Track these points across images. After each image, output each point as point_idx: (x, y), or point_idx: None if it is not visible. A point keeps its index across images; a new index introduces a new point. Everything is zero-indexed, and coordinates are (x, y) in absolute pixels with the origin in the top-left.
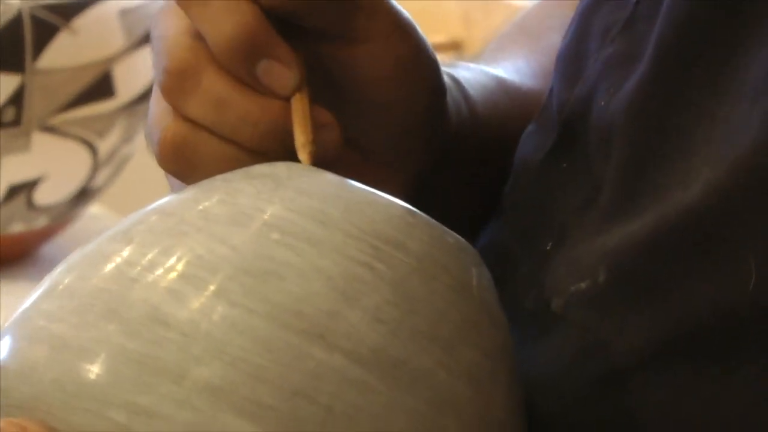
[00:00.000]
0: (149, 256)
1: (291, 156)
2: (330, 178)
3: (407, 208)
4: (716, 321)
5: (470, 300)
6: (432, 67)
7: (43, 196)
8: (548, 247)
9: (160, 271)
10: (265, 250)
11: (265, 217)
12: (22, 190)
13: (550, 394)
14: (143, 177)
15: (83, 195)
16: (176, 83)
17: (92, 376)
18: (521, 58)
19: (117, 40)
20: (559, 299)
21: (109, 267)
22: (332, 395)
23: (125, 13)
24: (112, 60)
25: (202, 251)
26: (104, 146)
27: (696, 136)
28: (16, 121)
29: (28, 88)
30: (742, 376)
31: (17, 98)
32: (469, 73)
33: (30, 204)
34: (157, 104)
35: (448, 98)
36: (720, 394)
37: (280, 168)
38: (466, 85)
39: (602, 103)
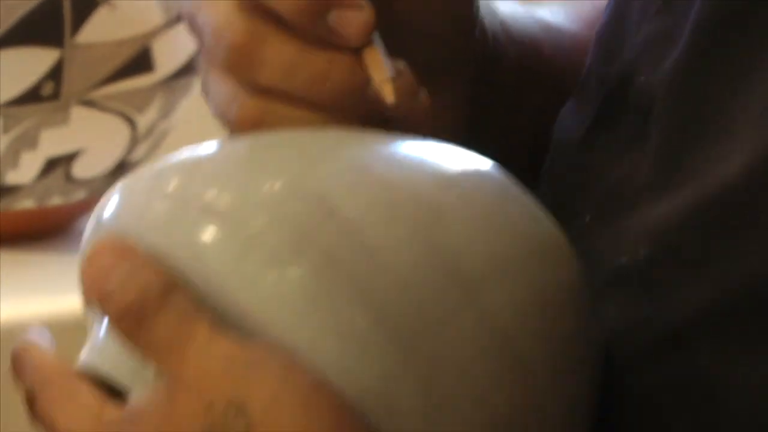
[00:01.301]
0: None
1: (362, 110)
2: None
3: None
4: (756, 294)
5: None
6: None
7: (82, 169)
8: (587, 220)
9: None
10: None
11: None
12: (61, 163)
13: None
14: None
15: (121, 169)
16: (243, 57)
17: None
18: (556, 5)
19: (156, 15)
20: (599, 274)
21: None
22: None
23: None
24: (150, 35)
25: None
26: (143, 121)
27: (735, 111)
28: (55, 95)
29: (67, 62)
30: None
31: (56, 72)
32: (504, 6)
33: (68, 177)
34: (222, 85)
35: (483, 18)
36: (760, 367)
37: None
38: (501, 15)
39: (643, 78)
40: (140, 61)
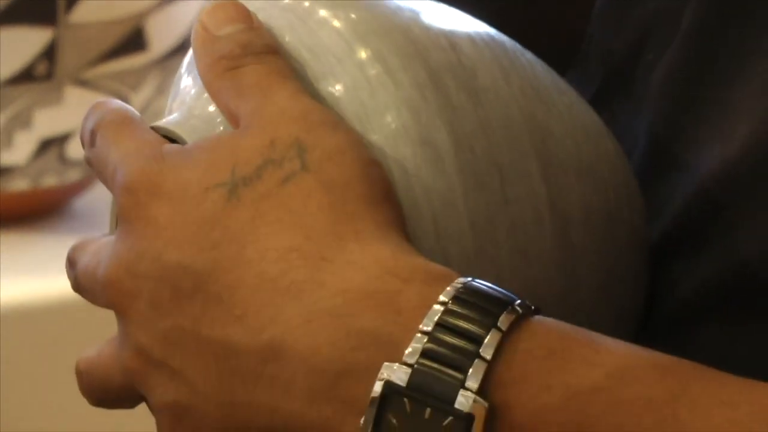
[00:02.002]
0: None
1: None
2: None
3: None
4: (759, 270)
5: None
6: None
7: (76, 149)
8: None
9: None
10: None
11: None
12: (55, 143)
13: None
14: None
15: None
16: None
17: None
18: None
19: None
20: None
21: None
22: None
23: None
24: (144, 14)
25: None
26: (137, 100)
27: (733, 91)
28: (49, 75)
29: (60, 41)
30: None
31: (49, 52)
32: None
33: (62, 158)
34: None
35: None
36: (757, 347)
37: None
38: None
39: (650, 56)
40: (134, 40)
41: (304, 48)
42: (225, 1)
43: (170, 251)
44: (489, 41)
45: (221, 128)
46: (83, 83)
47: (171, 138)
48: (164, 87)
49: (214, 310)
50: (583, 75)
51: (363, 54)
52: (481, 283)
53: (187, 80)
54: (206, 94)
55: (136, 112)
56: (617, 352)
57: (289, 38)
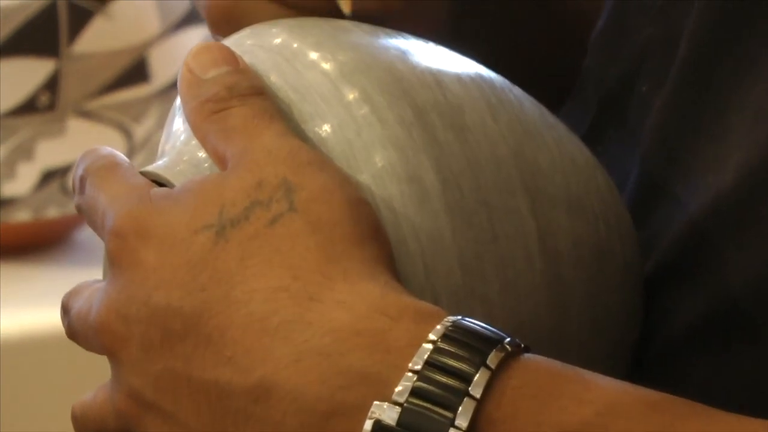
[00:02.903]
0: None
1: (333, 13)
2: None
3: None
4: (750, 299)
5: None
6: None
7: None
8: None
9: None
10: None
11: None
12: (57, 174)
13: None
14: None
15: None
16: None
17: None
18: None
19: (152, 25)
20: None
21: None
22: (508, 235)
23: None
24: (147, 45)
25: None
26: (139, 131)
27: (727, 120)
28: (51, 106)
29: (63, 72)
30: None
31: (52, 83)
32: None
33: (65, 189)
34: None
35: None
36: (754, 369)
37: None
38: None
39: (644, 89)
40: (137, 72)
41: (291, 88)
42: (210, 43)
43: (159, 294)
44: (476, 78)
45: (209, 172)
46: (86, 114)
47: (160, 183)
48: (167, 118)
49: (205, 351)
50: (579, 106)
51: (349, 94)
52: (470, 321)
53: (177, 123)
54: (195, 140)
55: (125, 158)
56: (607, 389)
57: (275, 79)
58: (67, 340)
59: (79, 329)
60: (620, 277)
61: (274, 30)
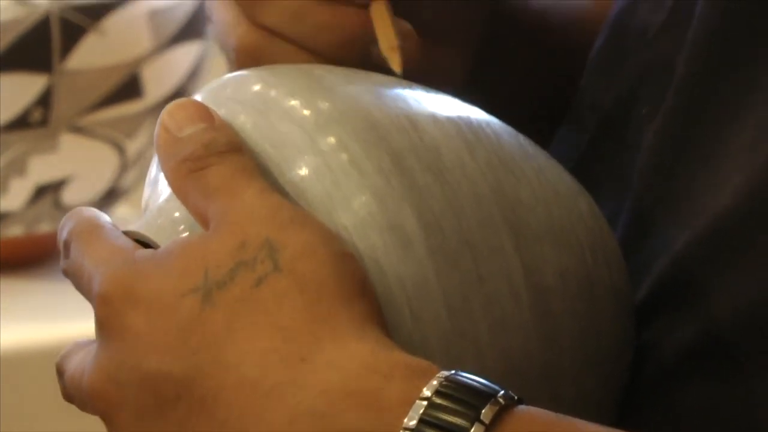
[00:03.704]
0: None
1: (365, 64)
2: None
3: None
4: (749, 322)
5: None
6: None
7: (71, 196)
8: None
9: None
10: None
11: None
12: (50, 190)
13: None
14: None
15: (111, 196)
16: None
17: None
18: None
19: (145, 41)
20: None
21: None
22: (491, 272)
23: (153, 14)
24: (140, 61)
25: None
26: (132, 147)
27: (726, 143)
28: (44, 122)
29: (55, 88)
30: None
31: (45, 99)
32: None
33: (57, 204)
34: (227, 11)
35: None
36: (755, 394)
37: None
38: None
39: (644, 111)
40: (129, 87)
41: (267, 142)
42: (185, 100)
43: (150, 359)
44: (451, 116)
45: (194, 229)
46: (78, 130)
47: (144, 242)
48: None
49: (198, 416)
50: (575, 127)
51: (325, 144)
52: (463, 376)
53: (159, 177)
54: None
55: (107, 219)
56: None
57: (251, 133)
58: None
59: (74, 393)
60: (610, 305)
61: (252, 77)
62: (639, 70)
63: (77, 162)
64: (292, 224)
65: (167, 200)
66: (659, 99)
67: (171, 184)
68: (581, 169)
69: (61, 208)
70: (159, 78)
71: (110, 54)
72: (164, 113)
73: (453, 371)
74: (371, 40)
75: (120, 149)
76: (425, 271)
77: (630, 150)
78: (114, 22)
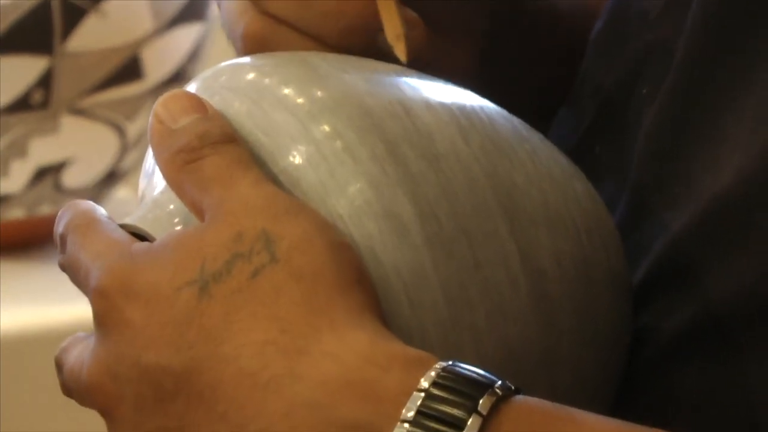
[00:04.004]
0: None
1: (371, 52)
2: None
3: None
4: (748, 304)
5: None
6: None
7: (71, 178)
8: None
9: None
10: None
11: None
12: (50, 172)
13: None
14: None
15: (111, 178)
16: None
17: None
18: None
19: (145, 23)
20: None
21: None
22: (489, 260)
23: None
24: (140, 43)
25: None
26: (133, 129)
27: (726, 122)
28: (45, 104)
29: (56, 70)
30: None
31: (46, 81)
32: None
33: (58, 186)
34: None
35: None
36: (750, 377)
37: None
38: None
39: (644, 91)
40: (130, 69)
41: (261, 131)
42: (178, 91)
43: (149, 353)
44: (445, 101)
45: (190, 221)
46: (79, 112)
47: (141, 235)
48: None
49: (198, 409)
50: (575, 109)
51: (319, 133)
52: (460, 366)
53: (154, 169)
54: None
55: (103, 211)
56: (598, 429)
57: (245, 122)
58: (63, 336)
59: (73, 387)
60: (608, 289)
61: (246, 66)
62: (639, 53)
63: (78, 144)
64: (287, 214)
65: (162, 192)
66: (660, 80)
67: (166, 176)
68: (581, 151)
69: (61, 191)
70: (159, 60)
71: (111, 36)
72: (157, 104)
73: (451, 362)
74: (377, 28)
75: (120, 131)
76: (421, 258)
77: (630, 131)
78: (114, 3)
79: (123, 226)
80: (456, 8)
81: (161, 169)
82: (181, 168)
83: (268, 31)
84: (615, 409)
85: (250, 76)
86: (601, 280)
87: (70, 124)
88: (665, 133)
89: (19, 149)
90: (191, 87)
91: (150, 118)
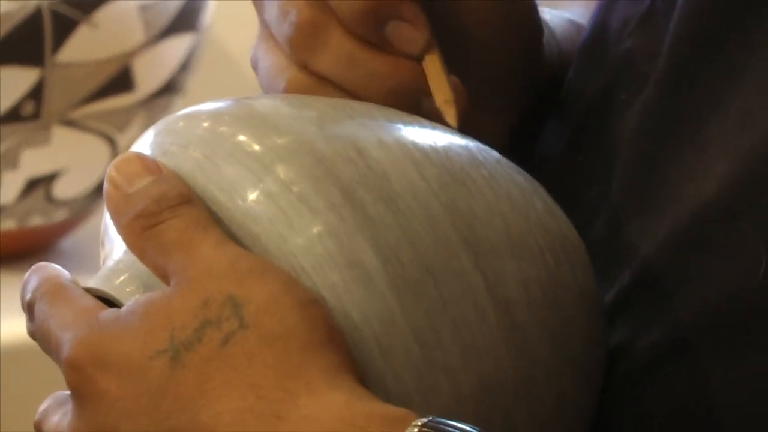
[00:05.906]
0: None
1: (416, 114)
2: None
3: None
4: (729, 311)
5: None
6: (529, 5)
7: (62, 189)
8: None
9: None
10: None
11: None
12: (41, 183)
13: None
14: None
15: (102, 189)
16: (306, 38)
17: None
18: (576, 5)
19: (136, 35)
20: None
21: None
22: (454, 295)
23: (145, 8)
24: (131, 54)
25: None
26: (123, 140)
27: (709, 130)
28: (36, 115)
29: (47, 82)
30: (753, 365)
31: (36, 92)
32: (547, 15)
33: (49, 197)
34: (276, 54)
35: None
36: (733, 384)
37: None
38: (550, 24)
39: (623, 97)
40: (121, 80)
41: (216, 188)
42: (130, 154)
43: (126, 424)
44: (396, 136)
45: (156, 284)
46: (70, 123)
47: (106, 298)
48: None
49: None
50: (559, 117)
51: (273, 186)
52: (439, 421)
53: (113, 232)
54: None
55: (68, 276)
56: None
57: (199, 179)
58: None
59: None
60: (578, 308)
61: (202, 114)
62: (619, 60)
63: (69, 155)
64: (251, 276)
65: (126, 252)
66: (639, 87)
67: (126, 242)
68: (566, 159)
69: (52, 202)
70: (151, 71)
71: (102, 47)
72: (110, 169)
73: (429, 417)
74: (423, 92)
75: (112, 142)
76: (389, 305)
77: (611, 139)
78: (106, 15)
79: (89, 290)
80: (496, 84)
81: (121, 235)
82: (140, 234)
83: (312, 89)
84: (596, 426)
85: (205, 124)
86: (570, 300)
87: (61, 135)
88: (647, 140)
89: (10, 160)
90: (144, 143)
91: (104, 183)
